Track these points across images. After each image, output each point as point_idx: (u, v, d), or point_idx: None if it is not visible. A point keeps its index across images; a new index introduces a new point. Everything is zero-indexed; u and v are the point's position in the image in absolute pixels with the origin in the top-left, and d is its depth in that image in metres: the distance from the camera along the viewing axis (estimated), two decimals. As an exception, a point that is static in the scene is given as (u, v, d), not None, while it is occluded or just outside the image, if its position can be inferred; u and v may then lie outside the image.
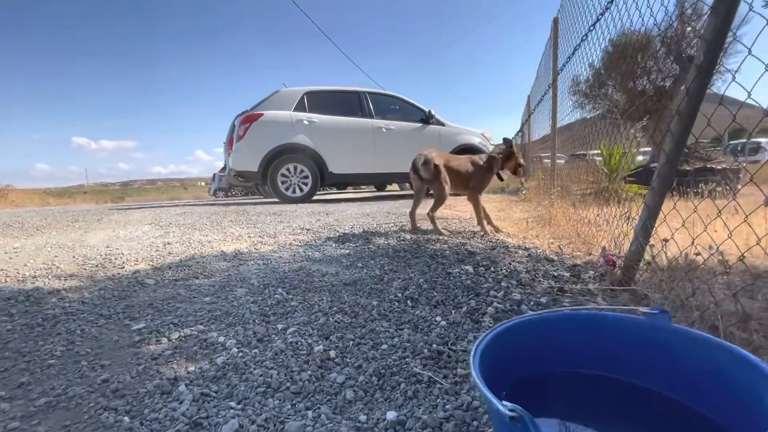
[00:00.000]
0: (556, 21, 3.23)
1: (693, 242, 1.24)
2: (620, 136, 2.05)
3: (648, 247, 1.36)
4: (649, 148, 8.49)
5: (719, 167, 6.12)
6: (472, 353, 0.46)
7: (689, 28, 5.40)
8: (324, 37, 10.36)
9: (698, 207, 1.15)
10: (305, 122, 5.19)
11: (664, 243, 1.37)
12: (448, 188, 2.45)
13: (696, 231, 1.19)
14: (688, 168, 5.70)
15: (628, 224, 1.55)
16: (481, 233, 2.44)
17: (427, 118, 5.56)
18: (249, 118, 5.10)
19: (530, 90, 5.96)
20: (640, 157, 7.80)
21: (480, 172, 2.57)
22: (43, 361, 0.92)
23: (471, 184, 2.56)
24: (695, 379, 0.47)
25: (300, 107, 5.26)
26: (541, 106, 4.53)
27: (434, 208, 2.46)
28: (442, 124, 5.64)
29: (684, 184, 5.53)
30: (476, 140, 5.69)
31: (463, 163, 2.62)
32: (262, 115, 5.10)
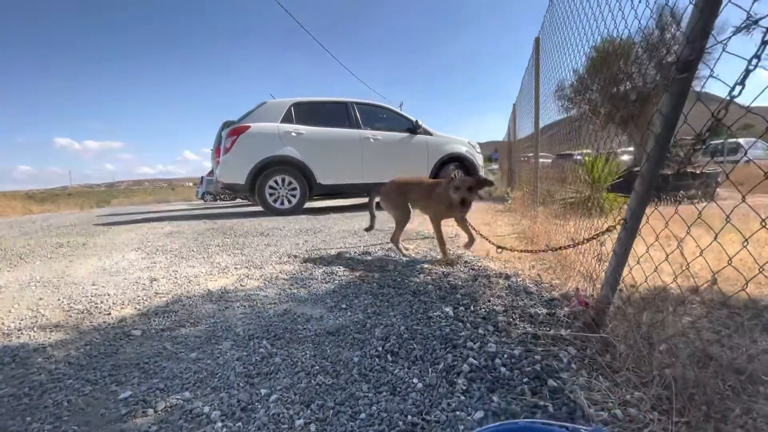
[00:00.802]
0: (537, 41, 3.27)
1: (655, 297, 1.32)
2: (603, 145, 2.10)
3: (618, 291, 1.42)
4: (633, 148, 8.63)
5: (699, 171, 6.26)
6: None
7: (668, 35, 5.50)
8: (319, 37, 10.29)
9: (672, 226, 1.19)
10: (293, 134, 5.18)
11: (631, 290, 1.44)
12: (402, 214, 2.54)
13: (672, 249, 1.22)
14: (667, 172, 5.80)
15: (600, 266, 1.62)
16: (470, 252, 2.53)
17: (414, 128, 5.60)
18: (236, 131, 5.08)
19: (515, 99, 6.03)
20: (625, 157, 7.93)
21: (435, 197, 2.34)
22: (31, 443, 0.95)
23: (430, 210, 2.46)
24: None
25: (287, 119, 5.25)
26: (526, 111, 4.60)
27: (395, 234, 2.58)
28: (429, 134, 5.68)
29: (663, 190, 5.61)
30: (463, 149, 5.76)
31: (424, 187, 2.47)
32: (249, 127, 5.09)
